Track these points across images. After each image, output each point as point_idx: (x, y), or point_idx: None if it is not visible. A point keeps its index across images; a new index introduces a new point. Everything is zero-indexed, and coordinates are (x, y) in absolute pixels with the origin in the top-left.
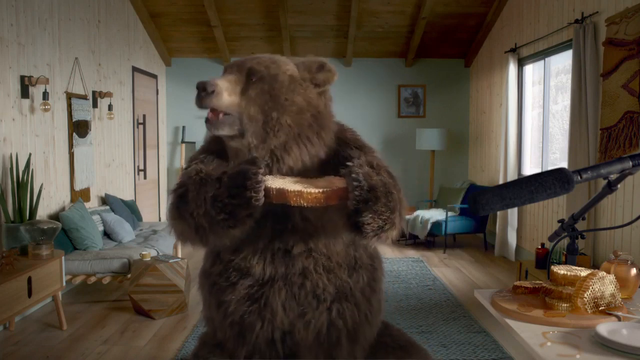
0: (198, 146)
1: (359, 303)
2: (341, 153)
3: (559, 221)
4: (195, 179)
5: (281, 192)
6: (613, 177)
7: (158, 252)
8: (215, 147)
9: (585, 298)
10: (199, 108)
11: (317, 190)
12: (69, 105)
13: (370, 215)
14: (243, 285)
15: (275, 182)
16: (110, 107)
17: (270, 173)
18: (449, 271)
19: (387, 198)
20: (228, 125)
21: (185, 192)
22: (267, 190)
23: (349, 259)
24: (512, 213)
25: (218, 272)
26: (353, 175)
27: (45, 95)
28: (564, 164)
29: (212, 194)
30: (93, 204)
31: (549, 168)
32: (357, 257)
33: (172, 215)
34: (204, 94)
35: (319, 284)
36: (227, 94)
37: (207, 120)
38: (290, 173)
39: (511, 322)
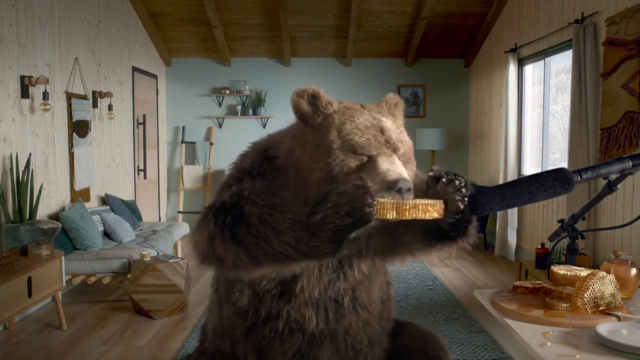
0: (198, 146)
1: (382, 342)
2: None
3: (559, 221)
4: (260, 206)
5: (398, 206)
6: (613, 177)
7: (158, 252)
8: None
9: (585, 298)
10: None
11: (434, 202)
12: (69, 105)
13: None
14: (294, 342)
15: (378, 198)
16: (110, 107)
17: None
18: (449, 271)
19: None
20: None
21: (241, 214)
22: (383, 204)
23: (378, 304)
24: (512, 213)
25: (261, 318)
26: (456, 187)
27: (45, 95)
28: (564, 164)
29: (321, 216)
30: (93, 204)
31: (549, 168)
32: (382, 296)
33: (223, 238)
34: (407, 193)
35: (358, 338)
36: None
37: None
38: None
39: (511, 322)
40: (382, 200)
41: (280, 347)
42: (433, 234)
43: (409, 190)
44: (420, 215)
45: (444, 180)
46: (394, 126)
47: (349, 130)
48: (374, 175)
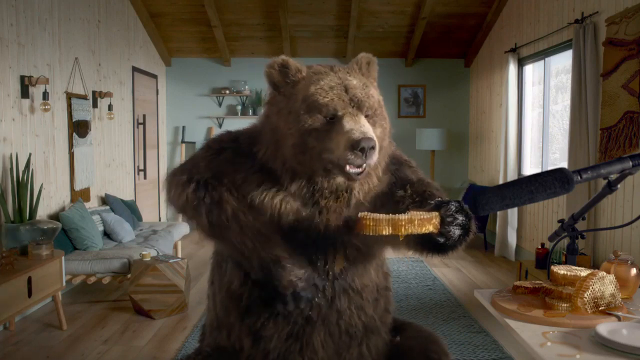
0: (198, 146)
1: (380, 331)
2: (397, 173)
3: (559, 221)
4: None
5: (393, 222)
6: (613, 177)
7: (158, 252)
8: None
9: (585, 298)
10: (357, 175)
11: (430, 215)
12: (69, 105)
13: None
14: (287, 320)
15: (372, 215)
16: (110, 107)
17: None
18: (449, 271)
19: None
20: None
21: (219, 199)
22: (378, 221)
23: (374, 290)
24: (512, 213)
25: (254, 297)
26: (449, 211)
27: (45, 95)
28: (564, 164)
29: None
30: (93, 204)
31: (549, 168)
32: (378, 284)
33: (196, 211)
34: (371, 151)
35: (352, 323)
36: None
37: (359, 174)
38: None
39: (511, 322)
40: (378, 217)
41: (274, 329)
42: (426, 241)
43: (372, 148)
44: (416, 230)
45: (435, 202)
46: (360, 83)
47: (313, 92)
48: (340, 136)
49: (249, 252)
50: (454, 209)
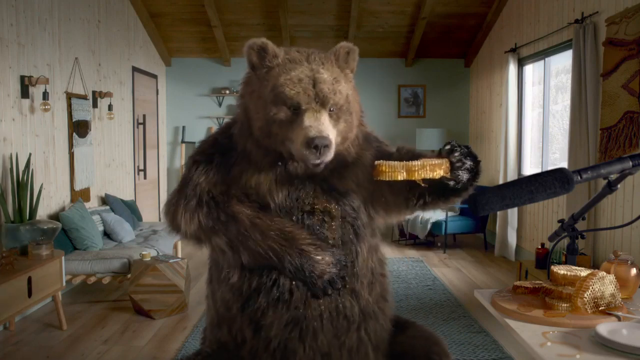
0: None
1: (377, 316)
2: (379, 149)
3: (559, 221)
4: (246, 216)
5: (407, 167)
6: (613, 177)
7: (158, 252)
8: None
9: (585, 298)
10: (316, 166)
11: (440, 161)
12: (69, 105)
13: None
14: (286, 309)
15: (387, 162)
16: (110, 107)
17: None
18: (449, 271)
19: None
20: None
21: (232, 213)
22: (393, 167)
23: (368, 274)
24: (512, 213)
25: (253, 288)
26: (457, 155)
27: (45, 95)
28: (564, 164)
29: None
30: (93, 204)
31: (549, 168)
32: (373, 269)
33: (212, 231)
34: (324, 149)
35: (347, 305)
36: (333, 139)
37: (317, 165)
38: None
39: (511, 322)
40: (392, 163)
41: (274, 316)
42: (438, 188)
43: (325, 147)
44: (428, 175)
45: (447, 147)
46: (330, 78)
47: (281, 82)
48: (298, 130)
49: (276, 254)
50: (463, 153)
